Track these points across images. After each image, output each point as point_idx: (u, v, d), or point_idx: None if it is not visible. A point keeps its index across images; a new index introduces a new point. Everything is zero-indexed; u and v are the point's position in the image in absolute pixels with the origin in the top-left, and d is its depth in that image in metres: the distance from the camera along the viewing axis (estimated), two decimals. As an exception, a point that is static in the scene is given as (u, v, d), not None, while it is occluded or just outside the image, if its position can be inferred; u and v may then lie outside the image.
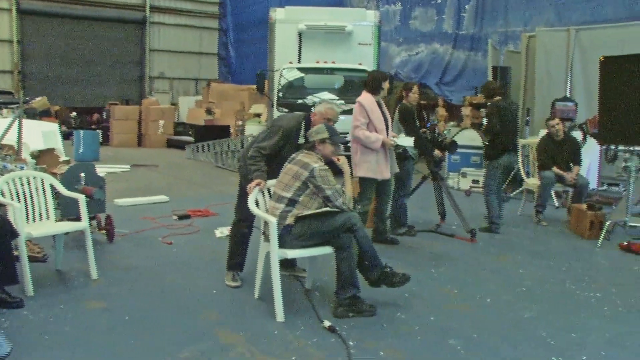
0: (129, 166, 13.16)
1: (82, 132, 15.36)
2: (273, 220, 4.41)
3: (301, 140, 4.92)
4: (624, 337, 4.24)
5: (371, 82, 6.39)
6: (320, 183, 4.45)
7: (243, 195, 4.99)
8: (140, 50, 27.39)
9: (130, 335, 4.06)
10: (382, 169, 6.35)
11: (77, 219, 5.41)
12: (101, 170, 8.23)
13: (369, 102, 6.28)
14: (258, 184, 4.70)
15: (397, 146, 6.46)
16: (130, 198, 8.89)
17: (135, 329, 4.17)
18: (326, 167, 4.55)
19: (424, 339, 4.12)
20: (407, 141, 6.55)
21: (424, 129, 7.55)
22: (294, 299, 4.81)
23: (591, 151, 9.75)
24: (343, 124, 10.76)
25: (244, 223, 5.20)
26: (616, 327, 4.40)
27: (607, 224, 6.97)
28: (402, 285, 4.66)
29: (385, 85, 6.38)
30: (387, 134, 6.36)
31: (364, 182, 6.43)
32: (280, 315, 4.37)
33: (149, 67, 27.56)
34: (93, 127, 19.82)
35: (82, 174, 6.11)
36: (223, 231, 6.80)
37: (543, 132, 8.94)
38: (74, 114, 21.54)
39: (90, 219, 6.04)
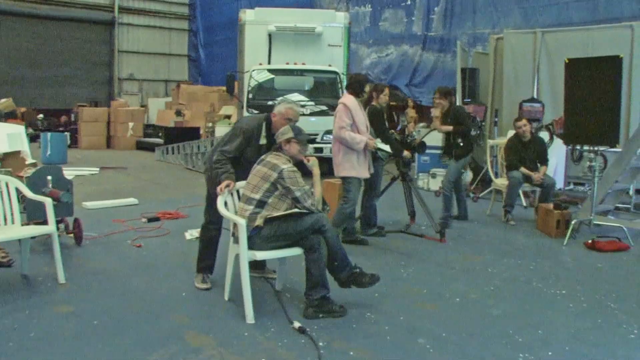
0: (97, 169, 13.00)
1: (49, 134, 15.10)
2: (242, 222, 4.40)
3: (263, 141, 4.92)
4: (587, 332, 4.33)
5: (354, 84, 6.48)
6: (289, 184, 4.45)
7: (211, 198, 5.00)
8: (108, 51, 27.06)
9: (98, 340, 4.02)
10: (364, 169, 6.46)
11: (44, 222, 5.34)
12: (69, 173, 8.15)
13: (354, 104, 6.36)
14: (227, 185, 4.69)
15: (378, 149, 6.52)
16: (99, 201, 8.79)
17: (103, 333, 4.13)
18: (295, 168, 4.56)
19: (393, 338, 4.15)
20: (387, 147, 6.63)
21: (393, 130, 7.63)
22: (264, 300, 4.81)
23: (558, 151, 9.92)
24: (313, 125, 10.87)
25: (212, 225, 5.19)
26: (580, 323, 4.49)
27: (573, 222, 7.10)
28: (371, 286, 4.68)
29: (367, 88, 6.52)
30: None
31: (348, 182, 6.48)
32: (250, 317, 4.36)
33: (117, 68, 27.24)
34: (61, 129, 19.48)
35: (49, 177, 6.03)
36: (193, 233, 6.76)
37: (511, 133, 9.06)
38: (41, 115, 21.13)
39: (58, 222, 5.98)
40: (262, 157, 4.70)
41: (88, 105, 20.79)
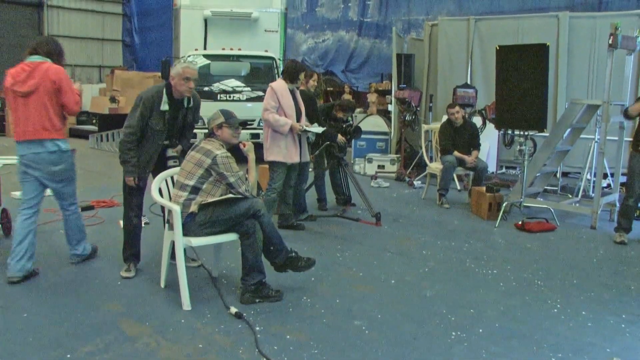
0: (27, 157, 12.54)
1: (-26, 122, 14.52)
2: (176, 208, 4.36)
3: (164, 107, 4.85)
4: (515, 309, 4.50)
5: (289, 70, 6.47)
6: (222, 170, 4.42)
7: (128, 186, 4.99)
8: (38, 35, 26.02)
9: (29, 333, 3.90)
10: (292, 154, 6.44)
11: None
12: (-4, 161, 7.82)
13: (281, 88, 6.36)
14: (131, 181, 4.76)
15: (305, 132, 6.53)
16: (29, 190, 8.48)
17: (33, 326, 4.01)
18: (229, 154, 4.53)
19: (329, 321, 4.20)
20: (315, 129, 6.65)
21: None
22: (200, 287, 4.79)
23: (490, 136, 10.18)
24: (250, 110, 10.82)
25: (132, 213, 5.13)
26: (509, 301, 4.66)
27: (504, 205, 7.33)
28: (307, 270, 4.74)
29: (302, 76, 6.53)
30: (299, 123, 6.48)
31: (273, 167, 6.47)
32: (186, 304, 4.34)
33: (48, 53, 26.20)
34: (-14, 117, 18.76)
35: (-26, 167, 5.82)
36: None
37: (445, 118, 9.23)
38: (-37, 103, 20.25)
39: (-17, 213, 5.78)
40: (197, 142, 4.65)
41: (16, 92, 19.96)
